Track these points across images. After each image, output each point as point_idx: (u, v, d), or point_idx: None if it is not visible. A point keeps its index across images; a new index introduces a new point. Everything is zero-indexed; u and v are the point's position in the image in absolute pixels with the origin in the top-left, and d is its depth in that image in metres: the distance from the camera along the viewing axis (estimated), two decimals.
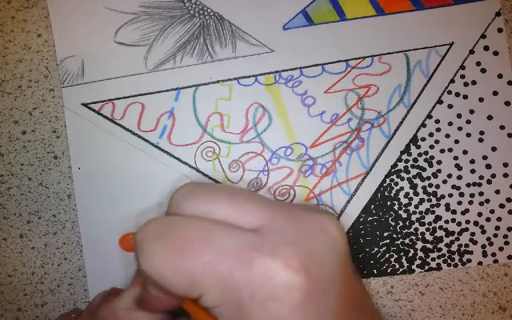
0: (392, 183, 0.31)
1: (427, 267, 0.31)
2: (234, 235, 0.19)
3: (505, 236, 0.30)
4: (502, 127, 0.31)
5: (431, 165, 0.31)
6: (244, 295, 0.18)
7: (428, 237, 0.31)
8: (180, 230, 0.19)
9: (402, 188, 0.31)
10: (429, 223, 0.31)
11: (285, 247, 0.18)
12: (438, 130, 0.31)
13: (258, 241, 0.19)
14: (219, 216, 0.20)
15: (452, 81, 0.31)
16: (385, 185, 0.31)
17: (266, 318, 0.18)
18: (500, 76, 0.31)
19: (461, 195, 0.31)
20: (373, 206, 0.31)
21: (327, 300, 0.19)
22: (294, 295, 0.18)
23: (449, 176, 0.31)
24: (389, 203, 0.31)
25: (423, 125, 0.31)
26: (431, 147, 0.31)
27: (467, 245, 0.31)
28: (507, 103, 0.31)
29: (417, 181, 0.31)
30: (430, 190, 0.31)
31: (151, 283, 0.20)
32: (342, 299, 0.20)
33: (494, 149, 0.31)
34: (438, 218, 0.31)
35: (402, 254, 0.31)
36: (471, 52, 0.31)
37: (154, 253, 0.19)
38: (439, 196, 0.31)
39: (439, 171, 0.31)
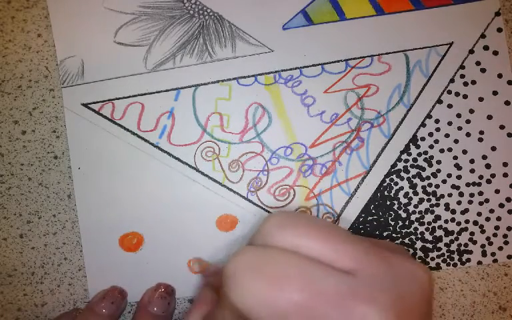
0: (392, 183, 0.31)
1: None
2: (332, 276, 0.18)
3: (505, 235, 0.30)
4: (502, 127, 0.31)
5: (430, 165, 0.31)
6: None
7: (427, 236, 0.31)
8: (276, 264, 0.18)
9: (401, 188, 0.31)
10: (429, 223, 0.31)
11: (381, 295, 0.18)
12: (437, 130, 0.31)
13: (355, 286, 0.18)
14: (311, 252, 0.19)
15: (452, 80, 0.31)
16: (384, 184, 0.31)
17: None
18: (500, 76, 0.31)
19: (461, 194, 0.31)
20: (372, 206, 0.31)
21: None
22: None
23: (449, 175, 0.31)
24: (388, 203, 0.31)
25: (423, 124, 0.31)
26: (431, 146, 0.31)
27: (466, 245, 0.31)
28: (507, 103, 0.31)
29: (416, 180, 0.31)
30: (429, 189, 0.31)
31: (233, 312, 0.19)
32: None
33: (493, 148, 0.31)
34: (437, 217, 0.31)
35: None
36: (471, 52, 0.31)
37: (248, 286, 0.18)
38: (438, 195, 0.31)
39: (438, 170, 0.31)
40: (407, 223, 0.31)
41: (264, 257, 0.19)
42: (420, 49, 0.31)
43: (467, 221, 0.31)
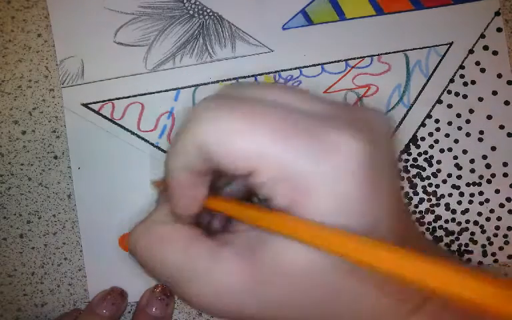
0: None
1: None
2: (299, 112, 0.18)
3: (505, 235, 0.30)
4: (501, 127, 0.31)
5: (430, 165, 0.31)
6: (307, 168, 0.17)
7: (428, 236, 0.31)
8: (242, 100, 0.19)
9: (402, 188, 0.31)
10: (429, 223, 0.31)
11: (348, 125, 0.18)
12: (437, 129, 0.31)
13: (322, 120, 0.18)
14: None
15: (451, 80, 0.31)
16: None
17: (330, 193, 0.17)
18: (499, 75, 0.31)
19: (461, 194, 0.31)
20: None
21: (385, 183, 0.19)
22: (362, 169, 0.17)
23: (449, 175, 0.31)
24: None
25: (423, 124, 0.31)
26: (431, 146, 0.31)
27: (466, 245, 0.31)
28: (507, 103, 0.31)
29: (416, 180, 0.31)
30: (430, 189, 0.31)
31: (188, 160, 0.19)
32: (395, 188, 0.19)
33: (493, 148, 0.31)
34: (438, 217, 0.31)
35: None
36: (471, 51, 0.31)
37: (218, 118, 0.18)
38: (438, 195, 0.31)
39: (438, 170, 0.31)
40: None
41: (232, 98, 0.19)
42: (420, 48, 0.31)
43: (467, 221, 0.31)
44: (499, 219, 0.30)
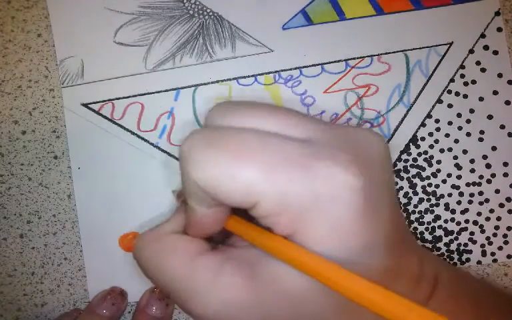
0: None
1: None
2: (292, 143, 0.18)
3: (505, 235, 0.30)
4: (502, 127, 0.31)
5: (430, 165, 0.31)
6: (304, 200, 0.17)
7: (427, 236, 0.31)
8: (232, 136, 0.18)
9: (401, 187, 0.31)
10: (428, 223, 0.31)
11: (341, 153, 0.18)
12: (438, 129, 0.31)
13: (315, 149, 0.18)
14: (263, 129, 0.19)
15: (452, 80, 0.31)
16: None
17: (328, 222, 0.17)
18: (500, 75, 0.31)
19: (461, 194, 0.31)
20: None
21: (382, 208, 0.19)
22: (356, 197, 0.17)
23: (449, 175, 0.31)
24: None
25: (423, 124, 0.31)
26: (431, 146, 0.31)
27: (466, 244, 0.31)
28: (507, 102, 0.31)
29: (416, 180, 0.31)
30: (429, 189, 0.31)
31: (199, 199, 0.19)
32: (392, 210, 0.19)
33: (494, 148, 0.31)
34: (437, 217, 0.31)
35: None
36: (471, 51, 0.31)
37: (207, 160, 0.18)
38: (438, 195, 0.31)
39: (438, 170, 0.31)
40: (406, 223, 0.31)
41: (219, 132, 0.19)
42: (420, 48, 0.31)
43: (466, 221, 0.31)
44: (498, 218, 0.31)
